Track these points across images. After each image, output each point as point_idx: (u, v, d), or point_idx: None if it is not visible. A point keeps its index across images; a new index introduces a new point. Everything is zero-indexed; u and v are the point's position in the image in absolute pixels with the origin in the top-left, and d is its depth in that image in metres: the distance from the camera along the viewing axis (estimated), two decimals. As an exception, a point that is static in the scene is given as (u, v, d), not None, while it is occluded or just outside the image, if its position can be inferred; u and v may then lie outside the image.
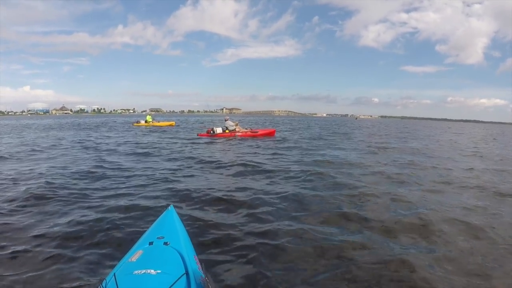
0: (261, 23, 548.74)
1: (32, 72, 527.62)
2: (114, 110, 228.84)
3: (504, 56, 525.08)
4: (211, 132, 16.40)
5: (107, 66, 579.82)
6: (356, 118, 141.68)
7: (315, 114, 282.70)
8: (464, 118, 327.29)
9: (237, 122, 17.10)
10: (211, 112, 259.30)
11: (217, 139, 15.68)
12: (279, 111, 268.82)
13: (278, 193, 5.49)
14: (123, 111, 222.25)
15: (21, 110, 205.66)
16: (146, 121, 30.83)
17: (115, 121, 45.46)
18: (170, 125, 31.47)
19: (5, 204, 4.87)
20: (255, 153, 10.81)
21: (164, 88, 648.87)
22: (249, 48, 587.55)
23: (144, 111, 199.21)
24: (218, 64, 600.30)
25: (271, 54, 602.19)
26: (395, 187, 6.24)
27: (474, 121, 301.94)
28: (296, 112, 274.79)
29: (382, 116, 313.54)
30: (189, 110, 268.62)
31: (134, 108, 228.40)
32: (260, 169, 7.80)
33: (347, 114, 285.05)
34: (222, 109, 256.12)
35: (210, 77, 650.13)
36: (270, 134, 17.73)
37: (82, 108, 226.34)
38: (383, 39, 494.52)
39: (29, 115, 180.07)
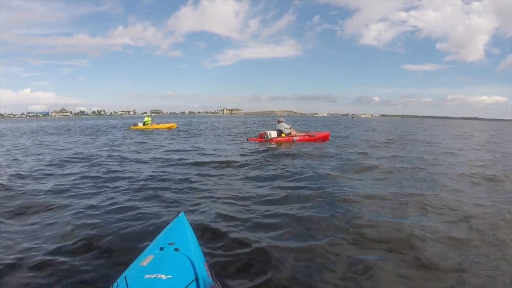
0: (262, 23, 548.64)
1: (32, 74, 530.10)
2: (114, 112, 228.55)
3: (504, 53, 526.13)
4: (265, 136, 13.94)
5: (107, 67, 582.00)
6: (353, 117, 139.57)
7: (316, 114, 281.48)
8: (464, 116, 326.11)
9: (290, 125, 14.80)
10: (212, 113, 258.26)
11: (270, 144, 13.37)
12: (280, 111, 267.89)
13: (298, 205, 5.04)
14: (123, 113, 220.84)
15: (21, 113, 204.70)
16: (144, 123, 27.62)
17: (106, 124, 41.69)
18: (170, 127, 28.37)
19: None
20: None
21: (164, 89, 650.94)
22: (250, 48, 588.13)
23: (144, 112, 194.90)
24: (218, 65, 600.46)
25: (272, 55, 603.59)
26: None
27: (475, 118, 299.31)
28: (296, 112, 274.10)
29: (382, 115, 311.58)
30: (189, 111, 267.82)
31: (134, 110, 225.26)
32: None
33: (348, 114, 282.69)
34: (223, 110, 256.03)
35: (210, 78, 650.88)
36: (326, 138, 15.58)
37: (82, 110, 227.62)
38: (384, 37, 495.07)
39: (28, 117, 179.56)
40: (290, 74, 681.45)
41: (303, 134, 14.72)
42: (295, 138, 13.99)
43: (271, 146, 12.88)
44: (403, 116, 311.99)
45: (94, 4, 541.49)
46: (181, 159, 9.50)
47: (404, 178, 6.91)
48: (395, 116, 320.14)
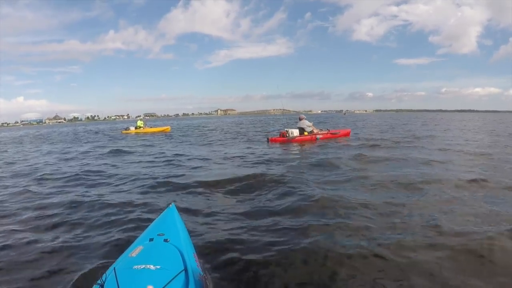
0: (253, 22, 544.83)
1: (25, 82, 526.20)
2: (108, 116, 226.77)
3: (497, 44, 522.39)
4: (287, 135, 13.19)
5: (99, 73, 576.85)
6: (345, 114, 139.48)
7: (310, 111, 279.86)
8: (459, 108, 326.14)
9: (312, 122, 14.07)
10: (206, 114, 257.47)
11: (293, 144, 12.69)
12: (273, 110, 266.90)
13: (285, 196, 5.09)
14: (117, 117, 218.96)
15: (14, 121, 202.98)
16: (136, 127, 26.56)
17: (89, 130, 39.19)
18: (164, 130, 27.25)
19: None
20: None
21: (157, 92, 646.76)
22: (241, 48, 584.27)
23: (138, 116, 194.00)
24: (210, 66, 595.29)
25: (264, 54, 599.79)
26: None
27: (470, 110, 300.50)
28: (290, 110, 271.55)
29: (376, 110, 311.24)
30: (183, 113, 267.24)
31: (128, 114, 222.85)
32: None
33: (342, 110, 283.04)
34: (217, 110, 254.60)
35: (203, 79, 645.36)
36: (347, 135, 15.02)
37: (76, 116, 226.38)
38: (376, 32, 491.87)
39: (22, 125, 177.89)
40: (282, 73, 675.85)
41: (325, 131, 14.03)
42: (318, 136, 13.32)
43: (295, 146, 12.21)
44: (397, 111, 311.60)
45: (84, 9, 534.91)
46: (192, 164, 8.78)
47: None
48: (389, 111, 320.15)
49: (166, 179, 6.54)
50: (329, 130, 14.33)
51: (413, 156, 8.72)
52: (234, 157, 9.58)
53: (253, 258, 3.07)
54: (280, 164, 7.90)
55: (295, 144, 12.69)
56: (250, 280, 2.76)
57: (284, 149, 11.20)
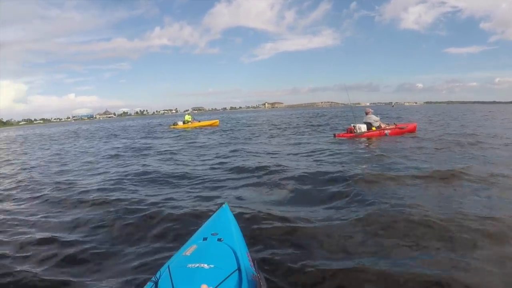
0: (297, 14, 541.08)
1: (76, 80, 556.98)
2: (156, 111, 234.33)
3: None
4: (355, 131, 12.98)
5: (147, 69, 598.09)
6: (393, 106, 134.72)
7: (359, 103, 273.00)
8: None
9: (379, 117, 13.76)
10: (253, 107, 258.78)
11: (360, 140, 12.47)
12: (321, 102, 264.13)
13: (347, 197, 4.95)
14: (165, 111, 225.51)
15: (66, 117, 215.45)
16: (184, 122, 26.58)
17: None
18: (212, 124, 27.38)
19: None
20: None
21: (204, 86, 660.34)
22: (287, 41, 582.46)
23: (186, 110, 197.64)
24: (257, 59, 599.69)
25: (310, 46, 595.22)
26: None
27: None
28: (338, 103, 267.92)
29: (427, 102, 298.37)
30: (231, 107, 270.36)
31: (176, 108, 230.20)
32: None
33: (391, 102, 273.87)
34: (264, 104, 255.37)
35: (249, 72, 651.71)
36: (414, 130, 14.51)
37: (125, 111, 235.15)
38: (424, 20, 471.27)
39: (73, 121, 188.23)
40: (329, 65, 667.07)
41: (392, 126, 13.75)
42: (386, 131, 13.07)
43: (362, 144, 11.84)
44: (448, 103, 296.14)
45: (130, 8, 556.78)
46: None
47: None
48: (439, 102, 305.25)
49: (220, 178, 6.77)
50: (396, 125, 14.02)
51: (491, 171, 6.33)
52: (295, 153, 9.60)
53: (308, 261, 3.02)
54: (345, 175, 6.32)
55: (362, 141, 12.39)
56: (304, 281, 2.76)
57: (350, 150, 10.62)
